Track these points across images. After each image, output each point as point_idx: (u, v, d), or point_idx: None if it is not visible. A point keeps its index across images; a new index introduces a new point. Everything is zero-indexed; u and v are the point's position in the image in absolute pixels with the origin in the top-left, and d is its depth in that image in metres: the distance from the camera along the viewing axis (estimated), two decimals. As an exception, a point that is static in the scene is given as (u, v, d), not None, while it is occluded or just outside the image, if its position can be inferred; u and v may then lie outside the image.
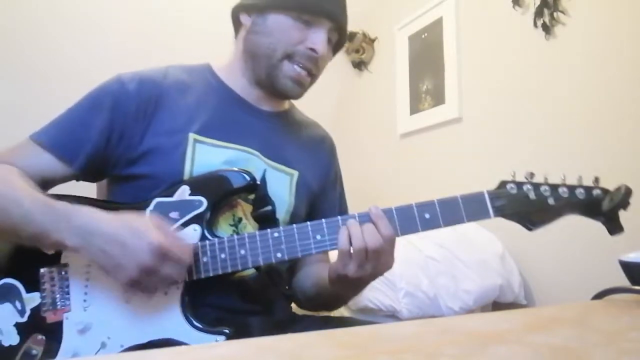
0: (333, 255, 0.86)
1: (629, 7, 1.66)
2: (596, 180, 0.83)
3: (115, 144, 0.91)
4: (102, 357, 0.82)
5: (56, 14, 2.54)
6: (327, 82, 3.86)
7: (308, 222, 0.83)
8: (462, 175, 2.27)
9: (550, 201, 0.82)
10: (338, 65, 3.23)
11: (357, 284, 0.87)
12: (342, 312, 1.73)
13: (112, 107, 0.91)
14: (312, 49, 0.94)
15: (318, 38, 0.94)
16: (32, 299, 0.84)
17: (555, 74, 1.90)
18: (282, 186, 0.98)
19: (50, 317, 0.83)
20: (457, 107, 2.34)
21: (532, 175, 0.83)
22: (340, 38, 1.02)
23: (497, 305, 1.89)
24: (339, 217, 0.83)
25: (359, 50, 3.09)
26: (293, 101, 1.13)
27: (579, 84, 1.81)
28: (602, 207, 0.82)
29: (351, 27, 3.44)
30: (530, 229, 0.83)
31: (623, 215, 0.83)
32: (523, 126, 2.03)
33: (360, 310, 1.70)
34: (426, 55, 2.58)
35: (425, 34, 2.58)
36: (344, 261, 0.81)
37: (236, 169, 0.89)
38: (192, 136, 0.91)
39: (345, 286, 0.87)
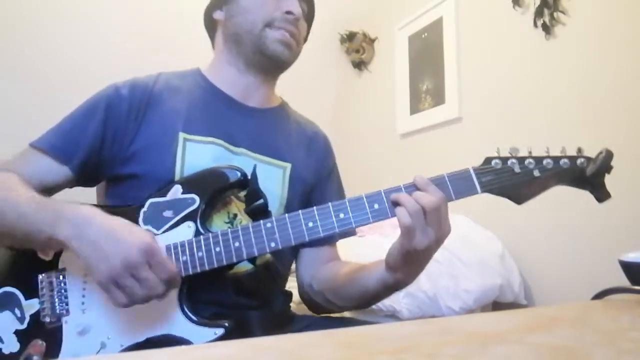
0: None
1: (629, 7, 1.66)
2: (579, 150, 0.84)
3: (109, 144, 0.94)
4: (102, 356, 0.82)
5: (56, 14, 2.54)
6: (327, 82, 3.83)
7: (300, 211, 0.83)
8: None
9: (536, 173, 0.83)
10: (338, 65, 3.23)
11: (424, 257, 0.82)
12: (341, 312, 1.73)
13: (105, 110, 0.95)
14: (289, 12, 0.99)
15: (291, 1, 0.99)
16: (31, 306, 0.85)
17: (555, 74, 1.90)
18: (274, 180, 0.99)
19: (50, 322, 0.84)
20: (457, 107, 2.34)
21: (516, 150, 0.85)
22: (309, 9, 1.08)
23: (497, 305, 1.89)
24: (330, 204, 0.82)
25: (359, 50, 3.09)
26: (284, 97, 1.14)
27: (579, 84, 1.81)
28: (586, 174, 0.82)
29: (351, 27, 3.43)
30: (518, 203, 0.83)
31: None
32: (523, 126, 2.03)
33: (360, 311, 1.70)
34: (426, 55, 2.58)
35: (425, 34, 2.58)
36: (409, 234, 0.78)
37: (227, 165, 0.90)
38: (181, 135, 0.94)
39: (411, 265, 0.83)
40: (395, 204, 0.80)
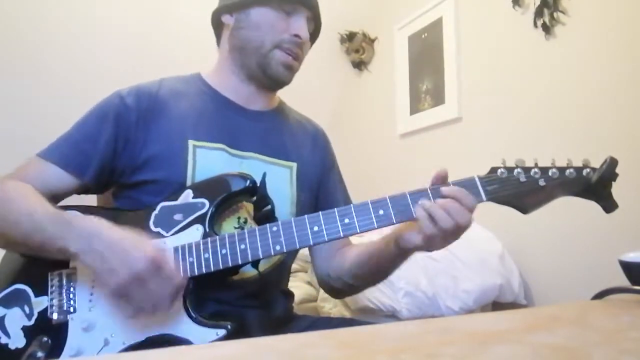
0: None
1: (628, 8, 1.66)
2: (586, 162, 0.84)
3: (120, 154, 0.96)
4: (103, 357, 0.82)
5: (56, 15, 2.53)
6: (327, 82, 3.82)
7: (306, 215, 0.85)
8: (462, 175, 2.26)
9: (541, 182, 0.83)
10: (338, 65, 3.23)
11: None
12: (342, 312, 1.73)
13: (115, 120, 0.97)
14: (297, 35, 1.01)
15: (300, 25, 1.02)
16: (40, 303, 0.86)
17: (555, 74, 1.90)
18: (283, 180, 1.02)
19: (56, 319, 0.85)
20: (456, 107, 2.34)
21: (522, 161, 0.85)
22: (315, 29, 1.09)
23: (497, 305, 1.89)
24: (335, 209, 0.85)
25: (359, 50, 3.09)
26: (284, 99, 1.16)
27: (579, 84, 1.81)
28: (592, 183, 0.81)
29: (351, 27, 3.43)
30: (524, 212, 0.84)
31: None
32: (523, 126, 2.03)
33: (360, 310, 1.70)
34: (426, 55, 2.57)
35: (425, 34, 2.58)
36: (431, 241, 0.83)
37: (236, 172, 0.93)
38: (191, 142, 0.96)
39: (411, 254, 0.92)
40: (420, 208, 0.82)
